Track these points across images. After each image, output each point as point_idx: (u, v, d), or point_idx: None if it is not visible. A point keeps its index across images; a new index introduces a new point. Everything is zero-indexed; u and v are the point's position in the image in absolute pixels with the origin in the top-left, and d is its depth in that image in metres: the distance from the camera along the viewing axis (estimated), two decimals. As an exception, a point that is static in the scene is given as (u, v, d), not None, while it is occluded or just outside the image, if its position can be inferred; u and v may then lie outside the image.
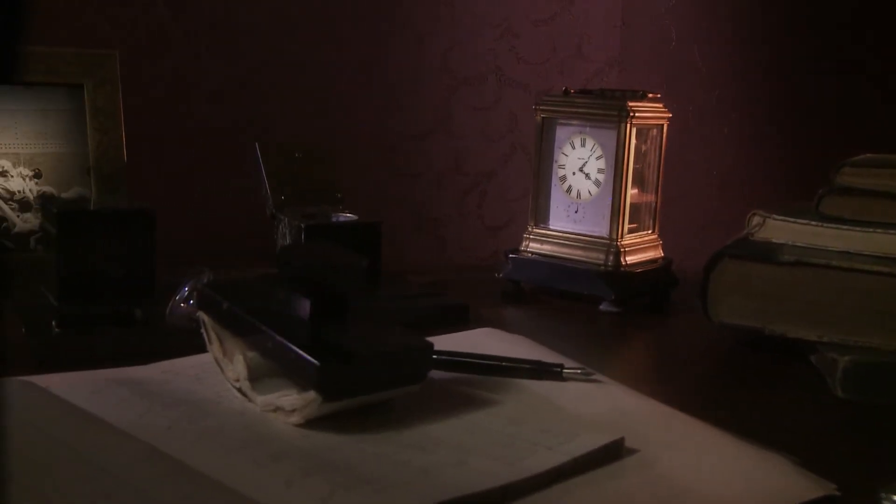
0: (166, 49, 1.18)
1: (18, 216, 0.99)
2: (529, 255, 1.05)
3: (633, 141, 0.99)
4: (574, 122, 1.02)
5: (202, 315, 0.68)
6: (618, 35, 1.36)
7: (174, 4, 1.18)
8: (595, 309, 1.00)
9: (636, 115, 0.98)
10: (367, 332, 0.64)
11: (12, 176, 1.00)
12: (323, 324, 0.62)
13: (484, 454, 0.56)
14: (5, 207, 0.99)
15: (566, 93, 1.05)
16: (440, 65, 1.33)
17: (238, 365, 0.64)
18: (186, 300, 0.82)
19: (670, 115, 1.05)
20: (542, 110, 1.04)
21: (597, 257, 1.00)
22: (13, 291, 0.87)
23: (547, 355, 0.78)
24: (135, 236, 0.87)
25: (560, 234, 1.04)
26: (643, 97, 1.01)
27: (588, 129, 1.01)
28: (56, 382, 0.66)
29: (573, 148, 1.03)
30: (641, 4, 1.35)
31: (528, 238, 1.06)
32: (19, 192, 0.99)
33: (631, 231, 1.02)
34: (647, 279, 1.02)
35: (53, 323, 0.76)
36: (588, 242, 1.01)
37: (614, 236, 1.00)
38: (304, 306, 0.61)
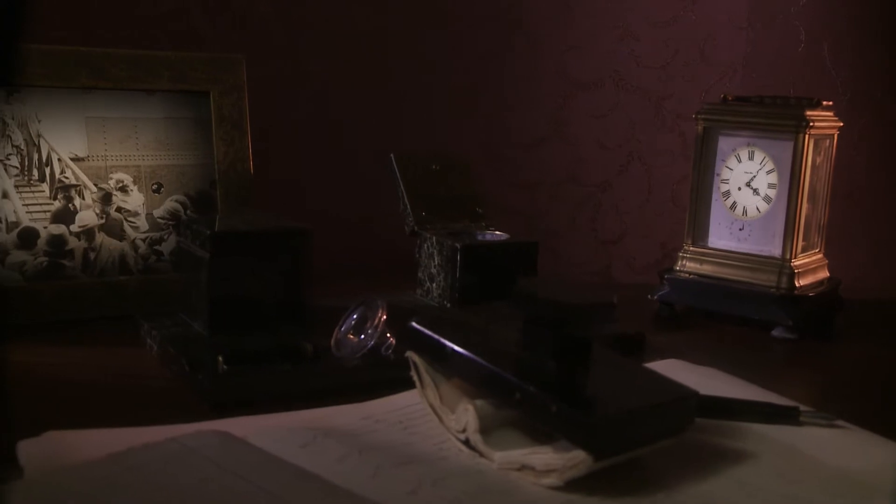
0: (272, 53, 1.10)
1: (138, 235, 0.91)
2: (686, 275, 0.97)
3: (811, 153, 0.91)
4: (741, 132, 0.94)
5: (412, 356, 0.61)
6: (743, 37, 1.28)
7: (283, 7, 1.10)
8: (762, 334, 0.92)
9: (814, 124, 0.90)
10: (617, 377, 0.56)
11: (132, 191, 0.92)
12: (575, 370, 0.54)
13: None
14: (111, 226, 0.91)
15: (724, 100, 0.97)
16: (555, 69, 1.25)
17: (466, 415, 0.57)
18: (355, 332, 0.74)
19: (841, 125, 0.97)
20: (704, 119, 0.95)
21: (767, 279, 0.92)
22: (159, 318, 0.79)
23: (753, 392, 0.71)
24: (291, 259, 0.79)
25: (722, 253, 0.96)
26: (818, 105, 0.93)
27: (758, 140, 0.93)
28: (251, 431, 0.58)
29: (739, 161, 0.95)
30: (768, 4, 1.27)
31: (685, 257, 0.98)
32: (137, 209, 0.92)
33: (802, 250, 0.94)
34: (819, 303, 0.94)
35: (220, 359, 0.68)
36: (756, 263, 0.93)
37: (787, 256, 0.92)
38: (556, 352, 0.54)
